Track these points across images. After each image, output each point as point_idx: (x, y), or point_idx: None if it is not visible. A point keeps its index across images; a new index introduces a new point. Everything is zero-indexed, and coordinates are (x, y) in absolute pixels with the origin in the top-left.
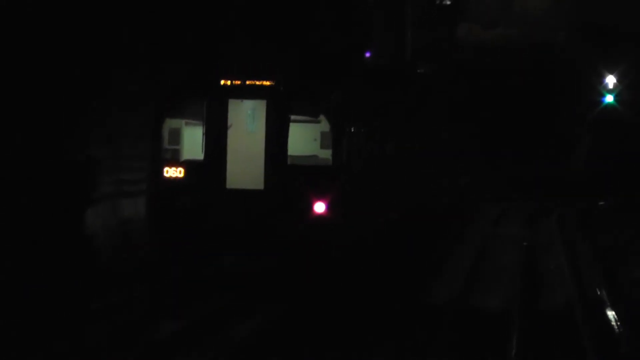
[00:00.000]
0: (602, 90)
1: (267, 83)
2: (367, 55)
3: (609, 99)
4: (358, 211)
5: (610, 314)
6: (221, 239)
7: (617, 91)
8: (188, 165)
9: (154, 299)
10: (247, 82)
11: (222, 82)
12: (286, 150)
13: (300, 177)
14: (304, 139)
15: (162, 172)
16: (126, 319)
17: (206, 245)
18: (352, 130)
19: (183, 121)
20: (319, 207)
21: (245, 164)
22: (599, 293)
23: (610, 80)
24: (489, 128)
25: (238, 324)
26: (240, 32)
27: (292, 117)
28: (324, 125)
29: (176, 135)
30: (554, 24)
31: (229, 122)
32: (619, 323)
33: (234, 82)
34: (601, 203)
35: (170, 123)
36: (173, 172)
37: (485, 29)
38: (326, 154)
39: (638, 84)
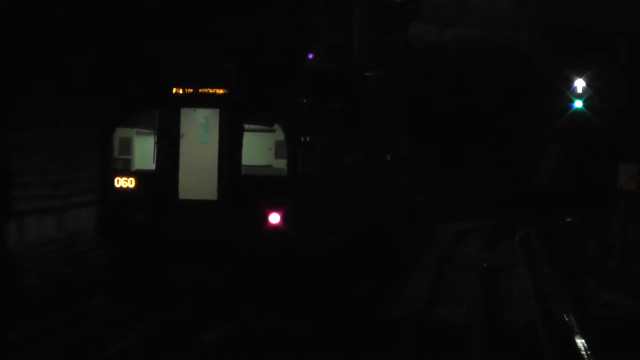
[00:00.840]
0: (570, 95)
1: (221, 91)
2: (310, 57)
3: (578, 104)
4: (313, 223)
5: (580, 342)
6: (173, 250)
7: (586, 96)
8: (139, 175)
9: (99, 315)
10: (200, 91)
11: (174, 90)
12: (240, 159)
13: (255, 188)
14: (259, 148)
15: (112, 182)
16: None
17: (158, 256)
18: (307, 139)
19: (134, 130)
20: (274, 218)
21: (199, 173)
22: (566, 319)
23: (579, 84)
24: (445, 138)
25: (187, 342)
26: (191, 39)
27: (246, 126)
28: (278, 134)
29: (127, 145)
30: (515, 24)
31: (182, 131)
32: (588, 352)
33: (186, 90)
34: (569, 220)
35: (121, 132)
36: (124, 183)
37: (441, 29)
38: (281, 164)
39: (609, 88)
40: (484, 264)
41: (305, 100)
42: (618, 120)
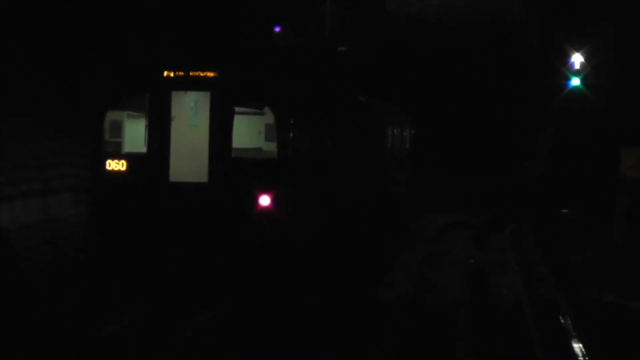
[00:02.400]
0: (566, 72)
1: (211, 74)
2: (277, 30)
3: (575, 82)
4: (304, 204)
5: (577, 346)
6: (164, 232)
7: (585, 73)
8: (130, 158)
9: (90, 299)
10: (191, 74)
11: (165, 73)
12: (230, 142)
13: (245, 170)
14: (249, 131)
15: (104, 165)
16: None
17: (149, 239)
18: (297, 122)
19: (125, 113)
20: (264, 200)
21: (189, 156)
22: (562, 322)
23: (577, 60)
24: (428, 123)
25: (179, 324)
26: (183, 23)
27: (237, 109)
28: (268, 117)
29: (118, 128)
30: None
31: (172, 114)
32: (587, 358)
33: (177, 73)
34: (565, 211)
35: (112, 115)
36: (115, 165)
37: None
38: (271, 147)
39: (611, 63)
40: (471, 261)
41: (293, 84)
42: (620, 100)
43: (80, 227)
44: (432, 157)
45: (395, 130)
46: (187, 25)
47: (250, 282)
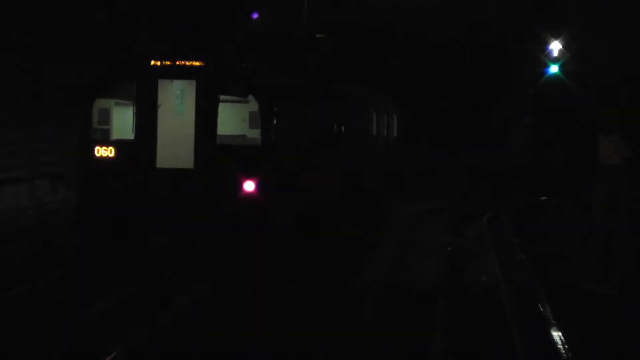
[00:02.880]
0: (544, 59)
1: (197, 63)
2: (254, 16)
3: (554, 69)
4: (287, 190)
5: (556, 334)
6: (151, 217)
7: (563, 60)
8: (118, 144)
9: (77, 282)
10: (177, 63)
11: (152, 62)
12: (215, 129)
13: (230, 157)
14: (233, 119)
15: (92, 151)
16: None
17: (136, 223)
18: (280, 110)
19: (113, 101)
20: (249, 186)
21: (176, 143)
22: (542, 309)
23: (555, 47)
24: (410, 109)
25: (163, 307)
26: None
27: (221, 97)
28: (252, 105)
29: (106, 116)
30: None
31: (159, 102)
32: (566, 346)
33: (164, 62)
34: (543, 198)
35: (100, 103)
36: (104, 152)
37: None
38: (255, 134)
39: (589, 50)
40: (449, 249)
41: (275, 72)
42: (599, 87)
43: (61, 212)
44: (414, 143)
45: (379, 116)
46: (172, 14)
47: (234, 265)
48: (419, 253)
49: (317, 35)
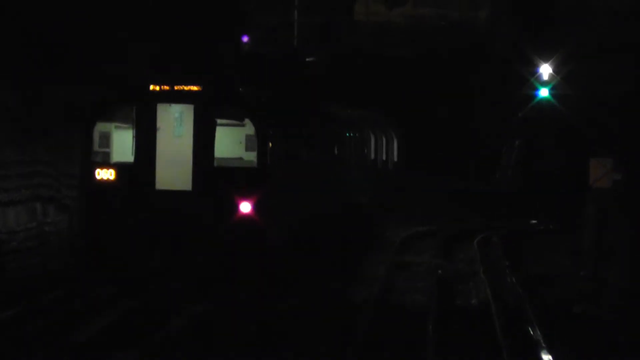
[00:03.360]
0: (534, 82)
1: (195, 88)
2: (244, 40)
3: (544, 92)
4: (282, 211)
5: (547, 358)
6: (151, 237)
7: (553, 84)
8: (118, 167)
9: (83, 296)
10: (176, 88)
11: (152, 87)
12: (213, 152)
13: (227, 179)
14: (230, 141)
15: (93, 174)
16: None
17: (136, 243)
18: (274, 133)
19: (113, 125)
20: (245, 207)
21: (174, 165)
22: (531, 332)
23: (545, 71)
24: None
25: (161, 325)
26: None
27: (219, 120)
28: (248, 128)
29: (106, 139)
30: (474, 2)
31: (158, 125)
32: None
33: (162, 87)
34: (534, 222)
35: (101, 127)
36: (104, 174)
37: (390, 7)
38: (251, 156)
39: (580, 73)
40: (439, 272)
41: (270, 95)
42: (589, 111)
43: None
44: (407, 165)
45: (372, 138)
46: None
47: (231, 283)
48: (408, 275)
49: (307, 59)
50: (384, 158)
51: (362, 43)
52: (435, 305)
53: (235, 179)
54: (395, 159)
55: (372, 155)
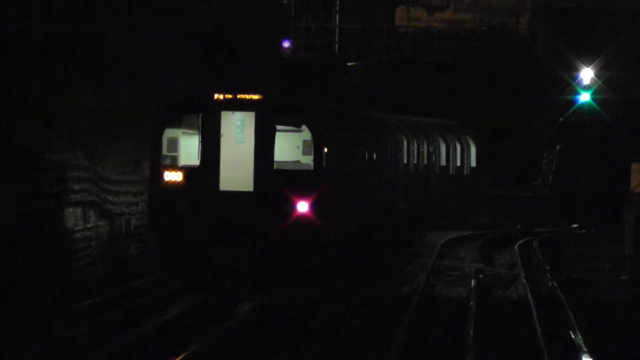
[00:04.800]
0: (576, 87)
1: (256, 97)
2: (285, 45)
3: (585, 97)
4: (335, 211)
5: None
6: (215, 235)
7: (594, 88)
8: (185, 170)
9: (154, 288)
10: (238, 96)
11: (216, 96)
12: (272, 156)
13: (285, 181)
14: (288, 146)
15: (162, 176)
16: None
17: (201, 240)
18: (329, 137)
19: (180, 131)
20: (302, 207)
21: (237, 168)
22: (573, 337)
23: (586, 75)
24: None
25: (221, 316)
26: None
27: (278, 127)
28: (305, 134)
29: (174, 144)
30: (514, 8)
31: (222, 131)
32: None
33: (226, 96)
34: (575, 226)
35: (169, 133)
36: (172, 176)
37: (430, 13)
38: (308, 160)
39: (620, 78)
40: (480, 277)
41: (324, 102)
42: (630, 115)
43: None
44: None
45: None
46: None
47: (289, 278)
48: (447, 280)
49: (348, 64)
50: (459, 164)
51: (401, 48)
52: (475, 307)
53: (293, 180)
54: (473, 164)
55: (443, 162)
